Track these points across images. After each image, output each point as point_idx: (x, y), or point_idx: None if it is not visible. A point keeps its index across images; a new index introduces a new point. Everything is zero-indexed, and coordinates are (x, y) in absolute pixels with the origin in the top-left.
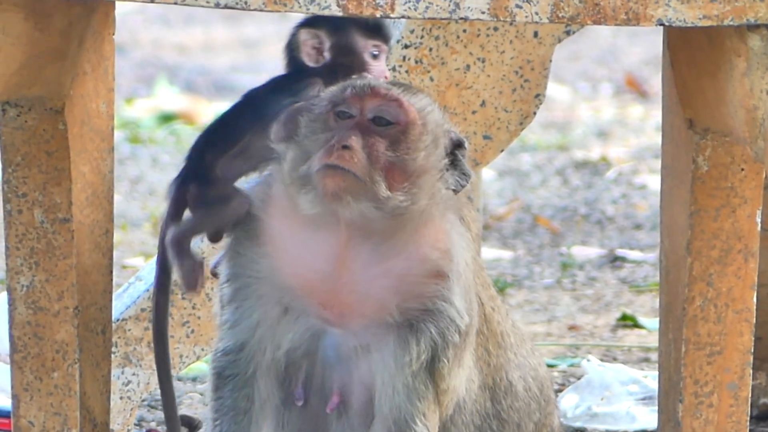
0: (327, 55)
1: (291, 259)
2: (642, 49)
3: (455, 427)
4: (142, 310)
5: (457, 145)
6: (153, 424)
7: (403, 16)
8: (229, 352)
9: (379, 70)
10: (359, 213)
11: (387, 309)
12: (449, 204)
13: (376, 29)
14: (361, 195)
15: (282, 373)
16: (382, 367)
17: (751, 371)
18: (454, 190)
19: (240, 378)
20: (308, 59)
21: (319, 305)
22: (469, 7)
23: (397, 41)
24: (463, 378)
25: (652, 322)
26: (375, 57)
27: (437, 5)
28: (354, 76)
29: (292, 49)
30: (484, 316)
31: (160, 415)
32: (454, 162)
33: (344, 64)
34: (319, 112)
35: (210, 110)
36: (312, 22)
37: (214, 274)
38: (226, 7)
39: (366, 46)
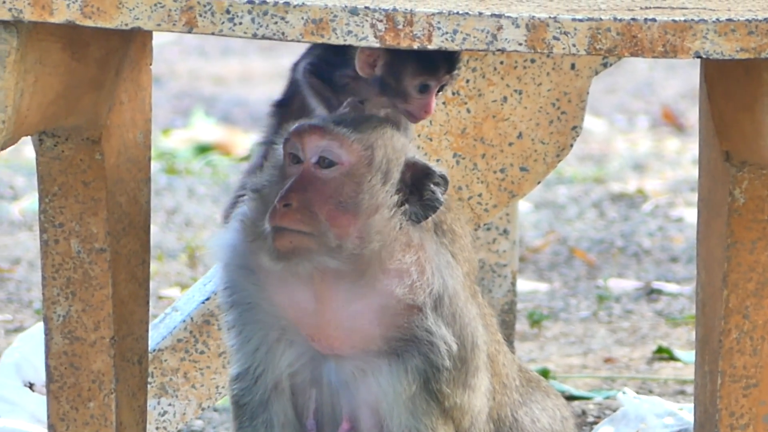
0: (378, 70)
1: (277, 293)
2: (678, 82)
3: None
4: (179, 340)
5: (424, 174)
6: None
7: (440, 48)
8: (239, 378)
9: (420, 104)
10: (315, 266)
11: (372, 340)
12: (425, 234)
13: (431, 64)
14: (312, 250)
15: (293, 400)
16: (382, 392)
17: None
18: (417, 221)
19: (255, 404)
20: (360, 70)
21: (307, 337)
22: (506, 39)
23: None
24: (475, 397)
25: (688, 355)
26: (422, 90)
27: (474, 37)
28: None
29: (350, 55)
30: (488, 356)
31: None
32: (419, 192)
33: (390, 86)
34: (278, 154)
35: (246, 141)
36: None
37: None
38: (263, 37)
39: (413, 79)
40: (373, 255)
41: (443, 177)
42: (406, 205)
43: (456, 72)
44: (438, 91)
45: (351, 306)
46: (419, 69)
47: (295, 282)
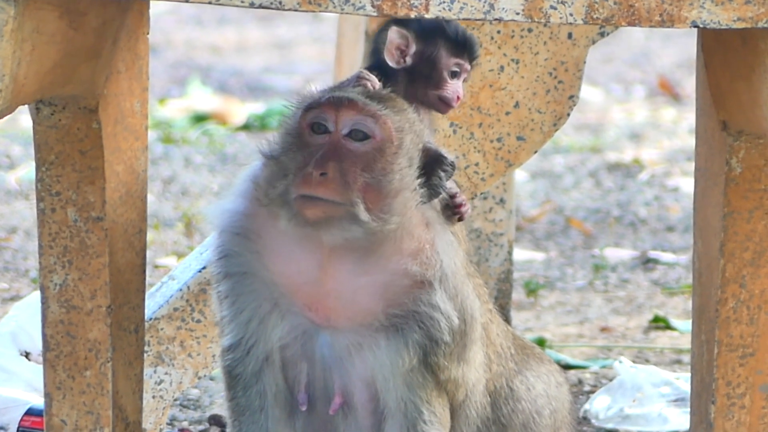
0: (409, 59)
1: (278, 260)
2: (675, 51)
3: (458, 424)
4: (175, 309)
5: (435, 160)
6: (185, 424)
7: (437, 17)
8: (231, 349)
9: (454, 89)
10: (341, 236)
11: (372, 315)
12: (433, 214)
13: (462, 47)
14: (342, 220)
15: (284, 373)
16: (378, 366)
17: None
18: (427, 199)
19: (247, 375)
20: (390, 59)
21: (304, 306)
22: (503, 8)
23: None
24: (469, 370)
25: (684, 324)
26: (454, 75)
27: (472, 6)
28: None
29: (378, 43)
30: (483, 326)
31: (192, 414)
32: (428, 175)
33: (423, 73)
34: (293, 123)
35: (242, 111)
36: (405, 22)
37: None
38: (260, 6)
39: (448, 63)
40: (392, 231)
41: (452, 164)
42: (423, 188)
43: (477, 57)
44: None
45: (356, 279)
46: (452, 52)
47: (299, 249)
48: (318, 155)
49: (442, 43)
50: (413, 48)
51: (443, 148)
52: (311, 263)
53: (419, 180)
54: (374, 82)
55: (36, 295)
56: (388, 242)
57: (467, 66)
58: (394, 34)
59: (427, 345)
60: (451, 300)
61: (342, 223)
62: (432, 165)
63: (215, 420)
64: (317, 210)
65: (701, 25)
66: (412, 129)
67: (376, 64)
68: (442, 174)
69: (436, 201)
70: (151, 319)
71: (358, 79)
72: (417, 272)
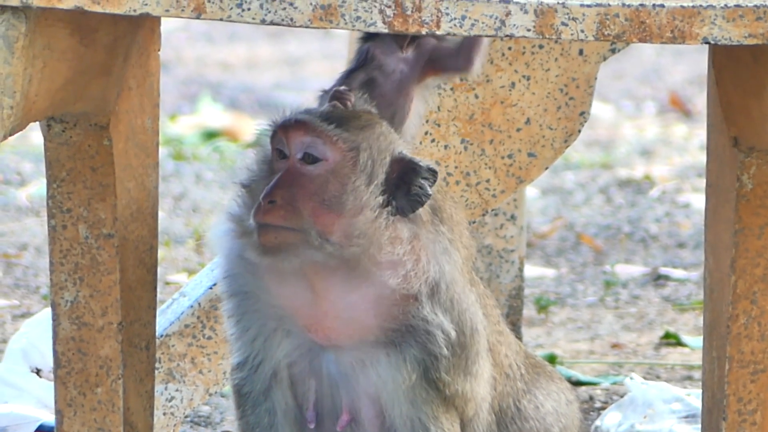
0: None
1: (273, 282)
2: (686, 67)
3: None
4: (186, 326)
5: (411, 170)
6: None
7: (448, 33)
8: (239, 367)
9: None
10: (300, 262)
11: (370, 331)
12: (418, 224)
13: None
14: (297, 246)
15: (292, 390)
16: (381, 383)
17: None
18: (404, 214)
19: (256, 393)
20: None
21: (304, 327)
22: (514, 25)
23: None
24: (478, 384)
25: (695, 341)
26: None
27: (483, 22)
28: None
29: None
30: (490, 346)
31: (203, 431)
32: (408, 185)
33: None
34: (263, 149)
35: (253, 127)
36: None
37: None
38: (271, 23)
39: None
40: (361, 251)
41: (431, 170)
42: (394, 201)
43: None
44: None
45: (347, 297)
46: None
47: (290, 274)
48: (271, 182)
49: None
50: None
51: (420, 156)
52: (302, 287)
53: (393, 192)
54: (348, 98)
55: (47, 312)
56: (364, 260)
57: None
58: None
59: (426, 360)
60: (447, 312)
61: (297, 250)
62: (409, 174)
63: None
64: (269, 237)
65: (712, 42)
66: (372, 146)
67: (361, 63)
68: (422, 182)
69: (423, 210)
70: (162, 335)
71: (331, 98)
72: (401, 287)
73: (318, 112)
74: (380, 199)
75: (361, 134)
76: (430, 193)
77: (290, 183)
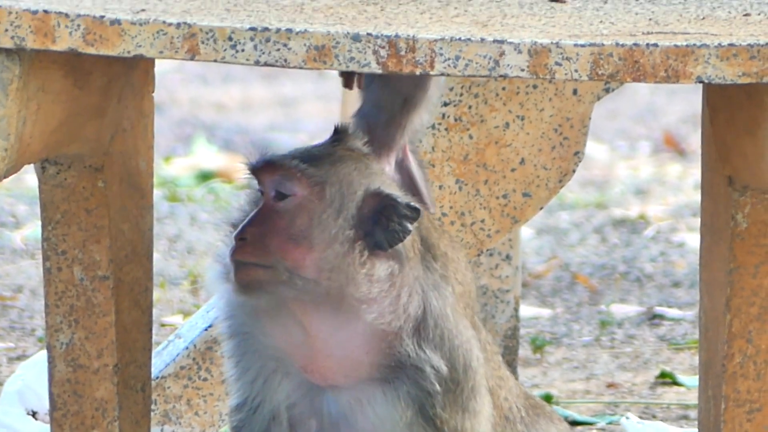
0: None
1: (268, 323)
2: (680, 107)
3: None
4: (182, 367)
5: (390, 206)
6: None
7: (442, 74)
8: (238, 409)
9: None
10: (276, 299)
11: (363, 368)
12: (401, 260)
13: None
14: (269, 282)
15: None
16: (379, 421)
17: None
18: (383, 249)
19: None
20: None
21: (300, 368)
22: (508, 65)
23: None
24: (478, 422)
25: (691, 380)
26: None
27: (477, 63)
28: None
29: None
30: (490, 390)
31: None
32: (385, 221)
33: None
34: (249, 189)
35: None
36: None
37: None
38: (266, 64)
39: None
40: (339, 288)
41: (410, 207)
42: (372, 236)
43: None
44: None
45: (337, 335)
46: None
47: (282, 314)
48: (245, 221)
49: None
50: None
51: (401, 192)
52: (295, 327)
53: (371, 227)
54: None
55: (42, 354)
56: (344, 296)
57: None
58: None
59: (420, 396)
60: (437, 348)
61: (270, 286)
62: (387, 210)
63: None
64: (242, 274)
65: (706, 81)
66: (341, 180)
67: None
68: (401, 218)
69: (414, 246)
70: (157, 377)
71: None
72: (380, 324)
73: (290, 151)
74: (350, 233)
75: (329, 169)
76: (410, 229)
77: (262, 220)
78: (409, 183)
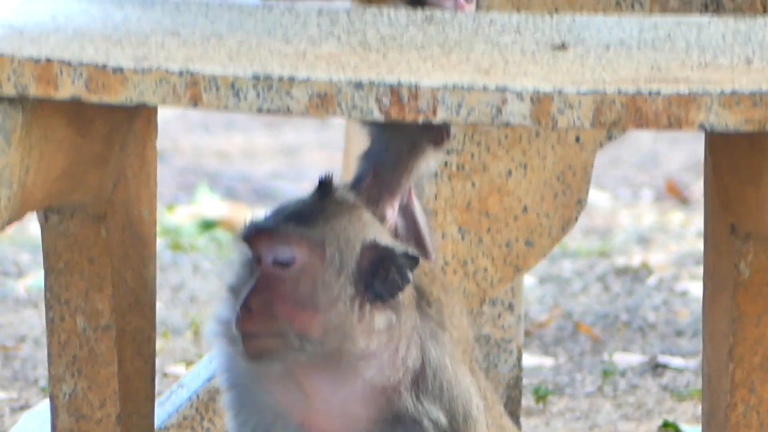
0: None
1: (266, 380)
2: (682, 154)
3: None
4: (184, 417)
5: (387, 257)
6: None
7: (445, 121)
8: None
9: (458, 3)
10: (285, 364)
11: (362, 424)
12: (397, 311)
13: None
14: (280, 350)
15: None
16: None
17: None
18: (383, 300)
19: None
20: None
21: (299, 425)
22: (511, 112)
23: None
24: None
25: (694, 430)
26: None
27: (479, 110)
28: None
29: None
30: None
31: None
32: (383, 272)
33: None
34: (242, 254)
35: (250, 216)
36: None
37: None
38: (268, 112)
39: None
40: (338, 344)
41: (408, 256)
42: (371, 288)
43: None
44: None
45: (334, 393)
46: None
47: (280, 372)
48: (247, 290)
49: None
50: None
51: (396, 241)
52: (293, 385)
53: (369, 280)
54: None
55: (45, 404)
56: (343, 354)
57: None
58: None
59: None
60: (436, 399)
61: (281, 353)
62: (385, 261)
63: None
64: (252, 345)
65: (709, 128)
66: (339, 237)
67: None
68: (399, 268)
69: (407, 294)
70: (160, 428)
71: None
72: (378, 379)
73: (282, 212)
74: (352, 289)
75: (325, 228)
76: (409, 278)
77: (264, 288)
78: (412, 228)
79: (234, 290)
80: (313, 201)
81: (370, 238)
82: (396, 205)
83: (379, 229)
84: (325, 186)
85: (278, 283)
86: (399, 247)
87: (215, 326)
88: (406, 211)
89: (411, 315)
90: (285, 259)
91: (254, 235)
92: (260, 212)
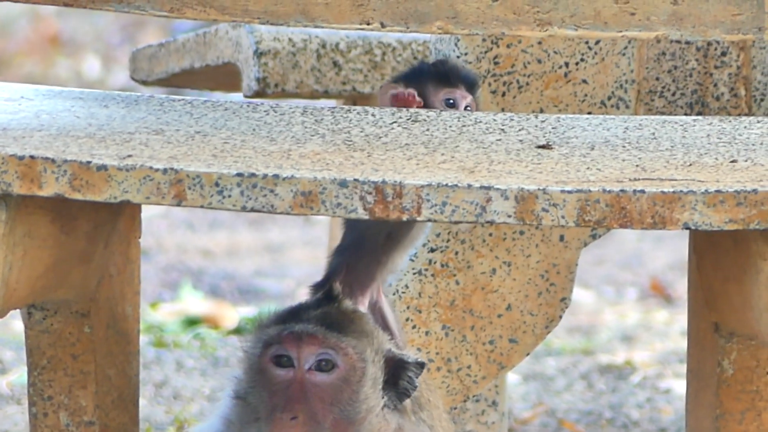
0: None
1: None
2: (666, 253)
3: None
4: None
5: (401, 366)
6: None
7: (429, 219)
8: None
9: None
10: None
11: None
12: (401, 414)
13: (445, 77)
14: None
15: None
16: None
17: None
18: (392, 406)
19: None
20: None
21: None
22: (495, 211)
23: (423, 245)
24: None
25: None
26: (451, 105)
27: (463, 209)
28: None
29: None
30: None
31: None
32: (396, 378)
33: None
34: (255, 359)
35: (234, 314)
36: (397, 78)
37: None
38: (252, 210)
39: (437, 95)
40: None
41: (419, 364)
42: (385, 396)
43: (477, 94)
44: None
45: None
46: (440, 85)
47: None
48: (285, 396)
49: (428, 80)
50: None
51: (405, 350)
52: None
53: (386, 390)
54: (339, 294)
55: None
56: None
57: (463, 93)
58: (387, 87)
59: None
60: None
61: None
62: (399, 370)
63: None
64: None
65: (693, 227)
66: (375, 351)
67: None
68: (410, 377)
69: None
70: None
71: (323, 293)
72: None
73: (321, 316)
74: (383, 399)
75: (364, 341)
76: (417, 385)
77: (305, 395)
78: (382, 323)
79: (244, 398)
80: (336, 309)
81: (387, 348)
82: (366, 301)
83: (388, 339)
84: (334, 293)
85: (318, 390)
86: (409, 356)
87: (220, 429)
88: (375, 307)
89: (411, 419)
90: (327, 365)
91: (300, 339)
92: (262, 313)
